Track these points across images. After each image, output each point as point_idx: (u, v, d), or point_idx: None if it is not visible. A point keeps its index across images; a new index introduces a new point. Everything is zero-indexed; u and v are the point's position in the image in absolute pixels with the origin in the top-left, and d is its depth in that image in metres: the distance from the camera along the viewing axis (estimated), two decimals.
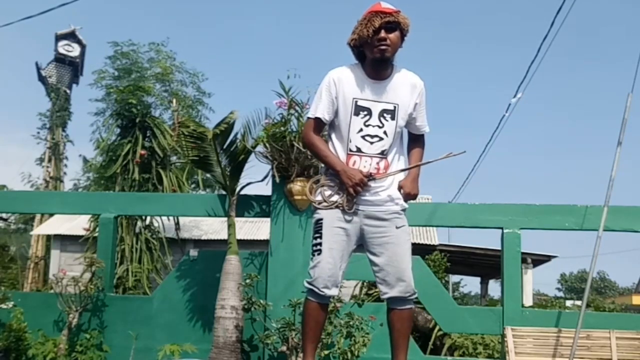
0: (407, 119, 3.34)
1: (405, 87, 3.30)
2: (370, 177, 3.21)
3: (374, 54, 3.17)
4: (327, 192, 3.29)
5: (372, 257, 3.31)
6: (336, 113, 3.28)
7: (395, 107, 3.26)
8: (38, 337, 6.53)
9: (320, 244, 3.24)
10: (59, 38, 17.01)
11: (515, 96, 9.10)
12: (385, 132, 3.24)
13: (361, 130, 3.23)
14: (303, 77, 6.14)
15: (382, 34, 3.11)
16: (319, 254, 3.24)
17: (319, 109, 3.29)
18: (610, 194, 5.82)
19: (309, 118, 3.38)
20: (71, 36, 17.18)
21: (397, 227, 3.27)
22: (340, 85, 3.25)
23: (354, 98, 3.23)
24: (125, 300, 7.59)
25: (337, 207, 3.24)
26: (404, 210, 3.34)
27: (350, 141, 3.24)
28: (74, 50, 17.13)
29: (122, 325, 6.67)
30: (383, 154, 3.27)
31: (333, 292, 3.27)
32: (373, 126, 3.23)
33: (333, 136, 3.35)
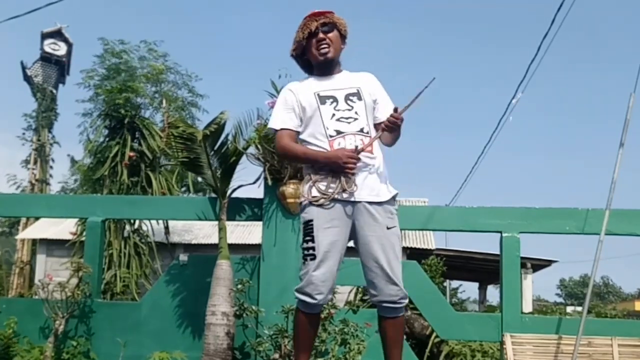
0: (373, 105, 3.30)
1: (357, 76, 3.37)
2: (357, 150, 3.10)
3: (317, 58, 3.23)
4: (323, 185, 3.16)
5: (361, 258, 3.22)
6: (304, 116, 3.25)
7: (358, 89, 3.28)
8: (24, 344, 6.40)
9: (313, 247, 3.10)
10: (44, 36, 16.72)
11: (514, 97, 8.98)
12: (356, 112, 3.22)
13: (334, 115, 3.20)
14: (295, 76, 6.03)
15: (320, 35, 3.19)
16: (312, 259, 3.10)
17: (280, 120, 3.29)
18: (612, 197, 5.79)
19: (275, 131, 3.32)
20: (57, 34, 16.87)
21: (387, 228, 3.18)
22: (296, 91, 3.28)
23: (314, 92, 3.23)
24: (113, 306, 7.47)
25: (336, 196, 3.10)
26: (396, 209, 3.25)
27: (328, 128, 3.18)
28: (61, 49, 16.84)
29: (110, 332, 6.55)
30: (363, 132, 3.20)
31: (328, 298, 3.16)
32: (343, 110, 3.21)
33: (309, 136, 3.25)
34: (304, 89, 3.27)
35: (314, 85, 3.28)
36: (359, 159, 3.08)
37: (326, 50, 3.19)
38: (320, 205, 3.12)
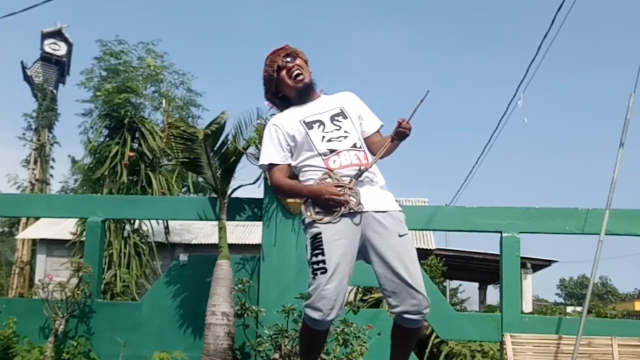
0: (359, 121, 3.28)
1: (337, 97, 3.35)
2: (360, 171, 3.03)
3: (296, 86, 3.23)
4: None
5: (377, 270, 3.02)
6: (294, 145, 3.20)
7: (341, 109, 3.24)
8: (24, 344, 6.40)
9: (323, 261, 2.93)
10: (45, 36, 16.68)
11: (515, 96, 8.94)
12: (345, 131, 3.17)
13: (324, 137, 3.14)
14: None
15: (288, 64, 3.22)
16: (323, 273, 2.91)
17: (269, 156, 3.23)
18: (612, 197, 5.79)
19: (266, 166, 3.27)
20: (57, 34, 16.84)
21: (400, 235, 3.03)
22: (281, 124, 3.22)
23: (300, 120, 3.19)
24: (113, 306, 7.47)
25: (343, 214, 2.98)
26: (404, 217, 3.12)
27: (320, 150, 3.11)
28: (61, 49, 16.82)
29: (110, 332, 6.55)
30: (356, 147, 3.14)
31: (338, 314, 2.98)
32: (332, 131, 3.16)
33: (303, 160, 3.18)
34: (288, 120, 3.22)
35: (297, 113, 3.22)
36: (350, 189, 2.98)
37: (301, 76, 3.20)
38: (327, 223, 2.99)
